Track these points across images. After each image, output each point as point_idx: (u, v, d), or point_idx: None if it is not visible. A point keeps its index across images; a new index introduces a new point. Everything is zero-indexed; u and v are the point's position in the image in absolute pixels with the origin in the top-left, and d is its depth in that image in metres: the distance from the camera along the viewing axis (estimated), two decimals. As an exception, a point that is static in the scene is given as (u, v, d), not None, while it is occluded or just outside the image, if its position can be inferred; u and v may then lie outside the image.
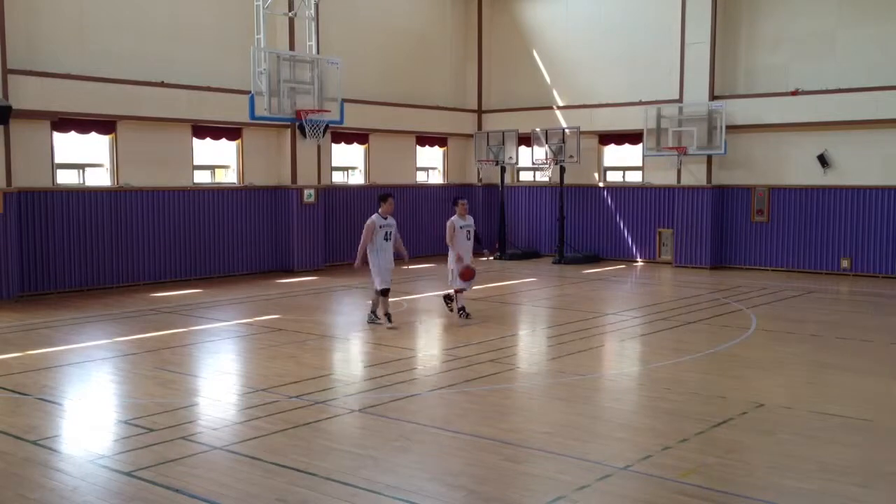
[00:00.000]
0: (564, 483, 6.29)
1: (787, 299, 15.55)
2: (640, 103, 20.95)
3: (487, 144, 23.20)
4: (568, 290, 17.18)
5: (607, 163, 22.72)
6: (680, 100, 20.50)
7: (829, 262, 19.16)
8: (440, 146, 23.96)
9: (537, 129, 22.21)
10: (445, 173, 24.24)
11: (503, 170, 23.14)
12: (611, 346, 11.71)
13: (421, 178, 23.69)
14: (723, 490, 6.17)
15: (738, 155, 20.09)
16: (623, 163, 22.45)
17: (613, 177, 22.67)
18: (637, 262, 21.65)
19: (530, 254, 23.08)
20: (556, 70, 23.02)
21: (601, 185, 22.56)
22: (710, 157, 20.29)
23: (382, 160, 22.09)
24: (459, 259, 13.00)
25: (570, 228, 22.44)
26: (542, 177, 23.50)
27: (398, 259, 12.90)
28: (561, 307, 15.08)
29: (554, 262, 21.52)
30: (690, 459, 6.79)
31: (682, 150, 20.08)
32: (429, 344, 11.99)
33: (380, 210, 12.46)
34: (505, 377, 9.65)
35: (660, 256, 21.48)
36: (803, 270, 19.38)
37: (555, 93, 23.07)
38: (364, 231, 12.30)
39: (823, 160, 18.96)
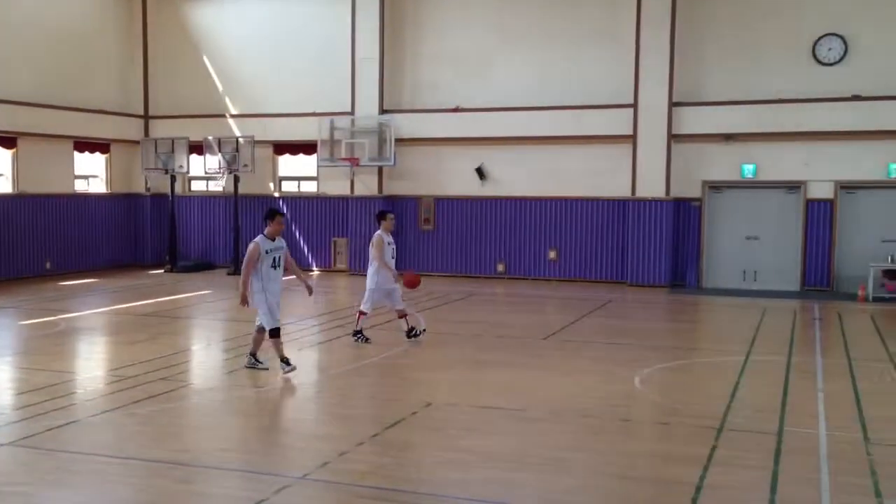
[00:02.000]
0: (240, 499, 6.14)
1: (451, 302, 16.61)
2: (315, 114, 21.21)
3: (156, 152, 22.03)
4: (244, 301, 16.86)
5: (283, 172, 22.71)
6: (352, 112, 21.09)
7: (487, 267, 20.80)
8: (102, 152, 22.31)
9: (210, 138, 21.57)
10: (109, 182, 22.62)
11: (173, 179, 22.12)
12: (289, 355, 11.64)
13: (80, 186, 21.89)
14: (395, 488, 6.41)
15: (406, 166, 21.11)
16: (299, 173, 22.57)
17: (289, 186, 22.70)
18: (313, 270, 21.86)
19: (203, 265, 22.32)
20: (229, 77, 22.54)
21: (277, 194, 22.48)
22: (381, 168, 21.10)
23: (34, 167, 20.05)
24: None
25: (244, 239, 22.01)
26: (216, 186, 22.88)
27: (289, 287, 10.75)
28: (236, 319, 14.73)
29: (229, 274, 21.02)
30: (366, 462, 6.97)
31: (354, 162, 20.66)
32: (92, 365, 11.08)
33: (266, 231, 10.14)
34: (178, 395, 9.20)
35: (335, 265, 21.89)
36: (466, 275, 20.83)
37: (228, 100, 22.57)
38: (246, 259, 9.98)
39: (481, 172, 20.58)
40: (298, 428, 8.26)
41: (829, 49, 18.09)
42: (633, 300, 17.34)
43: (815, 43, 18.16)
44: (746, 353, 11.61)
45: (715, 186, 19.16)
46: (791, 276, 18.67)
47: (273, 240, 10.12)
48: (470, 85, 20.62)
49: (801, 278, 18.57)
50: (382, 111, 20.90)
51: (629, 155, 19.29)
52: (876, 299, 16.99)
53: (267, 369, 10.12)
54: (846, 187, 18.23)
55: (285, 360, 10.07)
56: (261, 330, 10.25)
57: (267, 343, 10.19)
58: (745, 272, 19.06)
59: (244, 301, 9.99)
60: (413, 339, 12.20)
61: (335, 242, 21.88)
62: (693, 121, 18.87)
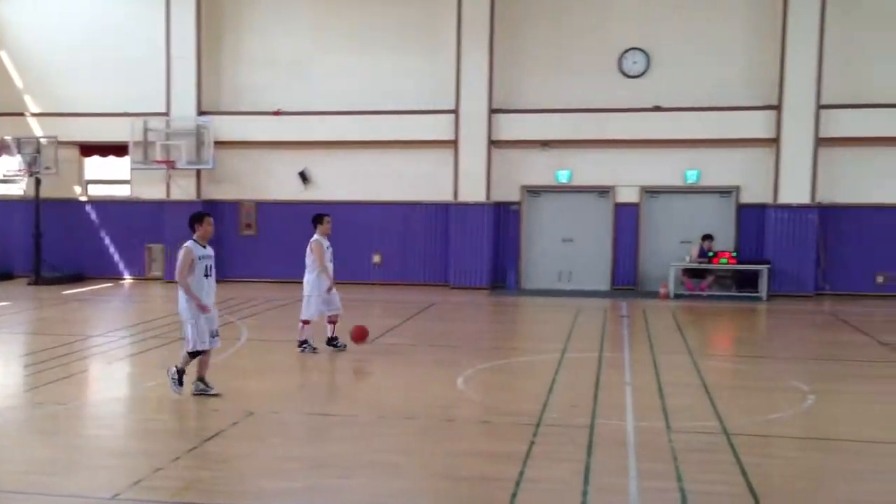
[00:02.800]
0: (44, 525, 5.71)
1: (275, 309, 16.29)
2: (127, 115, 20.17)
3: (-56, 152, 20.19)
4: (46, 313, 15.76)
5: (91, 175, 21.43)
6: (167, 113, 20.25)
7: (312, 272, 20.53)
8: None
9: (7, 138, 20.01)
10: None
11: (-35, 181, 20.37)
12: (97, 369, 11.00)
13: None
14: (215, 503, 6.19)
15: (226, 170, 20.51)
16: (109, 176, 21.37)
17: (98, 190, 21.45)
18: (125, 279, 20.77)
19: (1, 276, 20.66)
20: (30, 74, 21.04)
21: (84, 198, 21.19)
22: (199, 172, 20.39)
23: None
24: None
25: (48, 246, 20.59)
26: (15, 189, 21.24)
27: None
28: (38, 332, 13.76)
29: (29, 284, 19.60)
30: (183, 477, 6.69)
31: (170, 165, 19.84)
32: None
33: (195, 235, 9.15)
34: (-30, 417, 8.45)
35: (150, 273, 20.91)
36: (290, 280, 20.40)
37: (28, 98, 21.03)
38: (178, 266, 8.94)
39: (304, 176, 20.34)
40: (109, 445, 7.79)
41: (634, 62, 19.27)
42: (455, 302, 17.69)
43: (622, 56, 19.30)
44: (562, 350, 12.12)
45: (533, 191, 19.92)
46: (602, 276, 19.71)
47: (204, 246, 9.16)
48: (291, 88, 20.33)
49: (611, 278, 19.66)
50: (200, 112, 20.21)
51: (451, 160, 19.68)
52: (677, 296, 18.25)
53: (219, 395, 9.11)
54: (650, 192, 19.48)
55: (179, 376, 9.09)
56: (188, 354, 9.19)
57: (190, 361, 9.25)
58: (560, 273, 19.93)
59: (205, 308, 8.98)
60: (333, 347, 11.79)
61: (150, 249, 20.89)
62: (512, 127, 19.52)
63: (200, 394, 9.13)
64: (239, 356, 11.63)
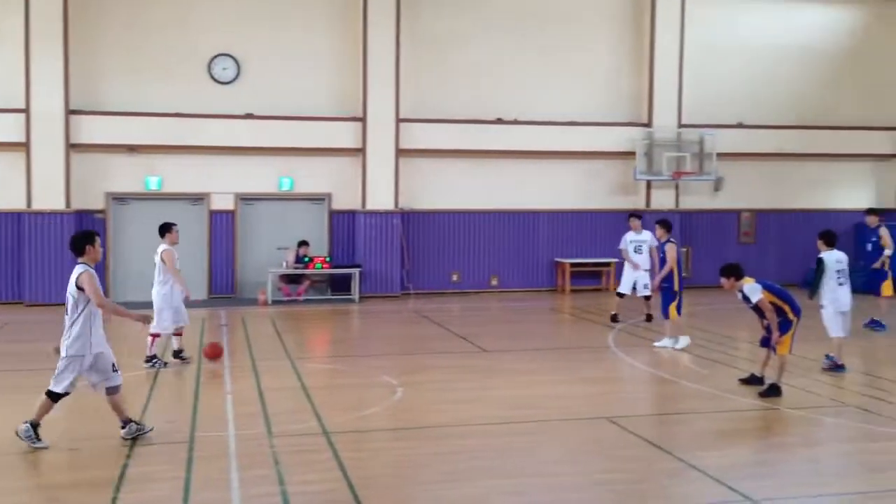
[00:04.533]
0: None
1: None
2: None
3: None
4: None
5: None
6: None
7: None
8: None
9: None
10: None
11: None
12: None
13: None
14: None
15: None
16: None
17: None
18: None
19: None
20: None
21: None
22: None
23: None
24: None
25: None
26: None
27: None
28: None
29: None
30: None
31: None
32: None
33: (84, 258, 7.77)
34: None
35: None
36: None
37: None
38: (96, 289, 7.63)
39: None
40: None
41: (224, 69, 19.09)
42: (33, 320, 16.01)
43: (211, 62, 19.00)
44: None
45: (120, 198, 18.76)
46: (199, 285, 19.18)
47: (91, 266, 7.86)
48: None
49: (209, 286, 19.26)
50: None
51: (23, 164, 17.79)
52: (275, 302, 18.48)
53: (46, 447, 7.65)
54: (245, 199, 19.46)
55: (35, 428, 7.73)
56: (113, 391, 7.99)
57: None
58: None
59: (146, 318, 8.22)
60: (181, 360, 11.54)
61: None
62: (93, 130, 18.18)
63: (29, 439, 7.70)
64: None
